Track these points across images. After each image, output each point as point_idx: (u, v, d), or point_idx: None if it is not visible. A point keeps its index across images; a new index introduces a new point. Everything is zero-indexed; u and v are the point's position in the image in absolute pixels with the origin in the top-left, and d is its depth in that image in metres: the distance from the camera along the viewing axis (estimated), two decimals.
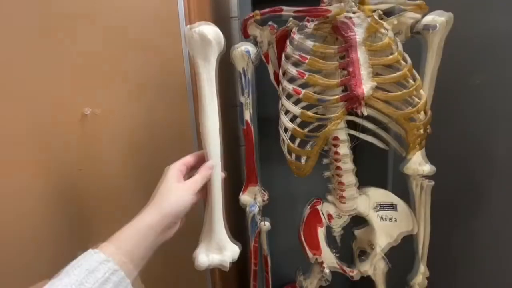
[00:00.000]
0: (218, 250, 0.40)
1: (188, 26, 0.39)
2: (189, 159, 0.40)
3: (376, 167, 0.67)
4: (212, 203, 0.40)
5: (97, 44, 0.47)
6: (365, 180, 0.52)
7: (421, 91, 0.42)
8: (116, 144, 0.51)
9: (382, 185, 0.58)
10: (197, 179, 0.38)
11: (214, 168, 0.39)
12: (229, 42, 0.41)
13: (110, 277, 0.28)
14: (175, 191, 0.35)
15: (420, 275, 0.54)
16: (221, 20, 0.75)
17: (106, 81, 0.48)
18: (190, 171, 0.41)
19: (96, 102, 0.48)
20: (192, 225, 0.48)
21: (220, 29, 0.39)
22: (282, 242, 0.81)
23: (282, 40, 0.47)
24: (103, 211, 0.52)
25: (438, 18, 0.44)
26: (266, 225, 0.53)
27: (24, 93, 0.45)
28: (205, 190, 0.40)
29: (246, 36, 0.47)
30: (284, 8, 0.41)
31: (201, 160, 0.41)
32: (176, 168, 0.38)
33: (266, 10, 0.42)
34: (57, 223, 0.50)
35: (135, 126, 0.51)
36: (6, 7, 0.42)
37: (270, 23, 0.45)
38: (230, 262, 0.41)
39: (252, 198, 0.52)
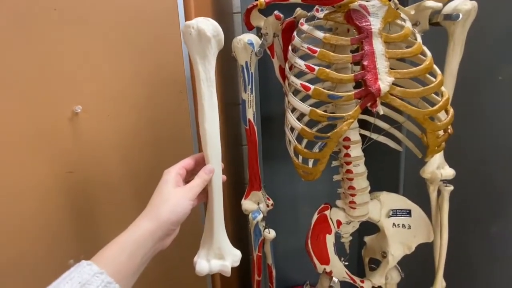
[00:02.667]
0: (219, 255, 0.39)
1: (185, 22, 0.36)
2: (188, 161, 0.38)
3: (386, 169, 0.63)
4: (213, 208, 0.38)
5: (92, 41, 0.44)
6: (375, 183, 0.49)
7: (443, 88, 0.38)
8: (110, 146, 0.48)
9: (393, 188, 0.54)
10: (197, 183, 0.36)
11: (214, 172, 0.38)
12: (231, 39, 0.38)
13: None
14: (174, 196, 0.34)
15: (437, 286, 0.50)
16: (223, 15, 0.71)
17: (100, 79, 0.46)
18: (190, 174, 0.39)
19: (91, 101, 0.45)
20: (192, 229, 0.44)
21: (222, 25, 0.36)
22: (286, 246, 0.78)
23: (288, 31, 0.43)
24: (96, 216, 0.49)
25: (461, 7, 0.40)
26: (271, 233, 0.49)
27: (5, 89, 0.42)
28: (204, 194, 0.39)
29: (249, 28, 0.43)
30: None
31: (201, 163, 0.39)
32: (175, 172, 0.36)
33: None
34: (46, 229, 0.47)
35: (131, 127, 0.48)
36: None
37: (276, 12, 0.41)
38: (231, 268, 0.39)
39: (255, 204, 0.48)
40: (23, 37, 0.42)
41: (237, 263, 0.39)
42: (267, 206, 0.49)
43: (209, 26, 0.35)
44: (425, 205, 0.49)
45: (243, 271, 0.74)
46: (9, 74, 0.42)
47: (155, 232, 0.32)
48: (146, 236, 0.31)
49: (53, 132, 0.44)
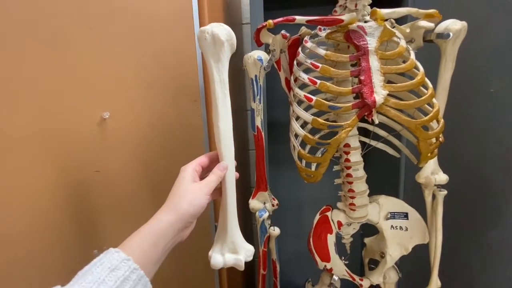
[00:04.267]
0: (233, 250, 0.40)
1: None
2: (203, 159, 0.40)
3: (387, 175, 0.66)
4: (227, 204, 0.40)
5: (112, 49, 0.48)
6: (375, 187, 0.52)
7: (434, 100, 0.42)
8: (132, 148, 0.52)
9: (393, 193, 0.57)
10: (212, 179, 0.38)
11: (228, 169, 0.40)
12: (240, 48, 0.41)
13: (130, 275, 0.29)
14: (191, 191, 0.36)
15: (432, 286, 0.53)
16: (233, 26, 0.76)
17: (120, 84, 0.50)
18: (205, 171, 0.41)
19: (111, 105, 0.50)
20: (199, 228, 0.48)
21: None
22: (289, 247, 0.81)
23: (294, 47, 0.47)
24: (118, 211, 0.53)
25: (451, 27, 0.44)
26: (275, 230, 0.53)
27: (44, 97, 0.47)
28: (218, 191, 0.41)
29: (259, 45, 0.47)
30: (297, 17, 0.42)
31: (215, 161, 0.41)
32: (192, 168, 0.38)
33: (279, 19, 0.43)
34: (72, 223, 0.51)
35: (150, 132, 0.52)
36: (20, 15, 0.44)
37: (282, 31, 0.46)
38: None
39: (261, 203, 0.52)
40: (63, 53, 0.46)
41: (250, 258, 0.40)
42: (273, 205, 0.53)
43: (222, 31, 0.37)
44: (424, 209, 0.52)
45: (248, 266, 0.77)
46: (50, 84, 0.47)
47: (175, 224, 0.34)
48: (167, 227, 0.33)
49: (84, 135, 0.49)
